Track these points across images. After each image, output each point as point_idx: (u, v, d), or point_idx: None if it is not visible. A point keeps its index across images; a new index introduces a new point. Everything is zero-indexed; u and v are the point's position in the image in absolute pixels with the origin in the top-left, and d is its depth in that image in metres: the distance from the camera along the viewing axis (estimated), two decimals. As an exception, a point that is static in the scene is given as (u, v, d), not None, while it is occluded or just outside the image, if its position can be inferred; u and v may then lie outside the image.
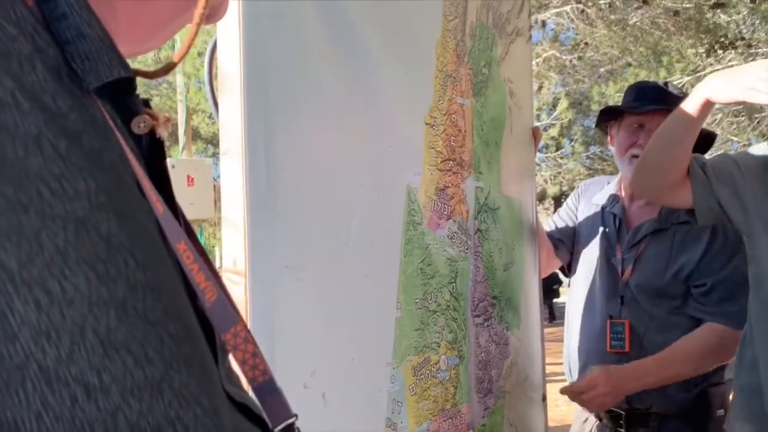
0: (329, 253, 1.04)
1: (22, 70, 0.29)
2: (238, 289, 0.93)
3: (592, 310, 1.82)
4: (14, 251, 0.26)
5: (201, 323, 0.38)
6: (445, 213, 1.29)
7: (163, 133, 0.41)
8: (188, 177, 4.31)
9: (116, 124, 0.36)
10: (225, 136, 0.97)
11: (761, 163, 1.40)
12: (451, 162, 1.32)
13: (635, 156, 1.72)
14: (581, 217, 1.96)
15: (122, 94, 0.37)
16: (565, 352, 1.94)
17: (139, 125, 0.39)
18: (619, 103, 1.90)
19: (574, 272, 1.95)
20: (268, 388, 0.42)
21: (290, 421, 0.43)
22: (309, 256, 1.00)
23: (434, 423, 1.24)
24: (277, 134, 0.97)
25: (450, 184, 1.31)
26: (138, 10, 0.41)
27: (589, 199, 1.97)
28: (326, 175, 1.04)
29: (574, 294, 1.92)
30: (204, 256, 0.42)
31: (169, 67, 0.45)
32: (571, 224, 1.98)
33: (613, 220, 1.85)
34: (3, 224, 0.26)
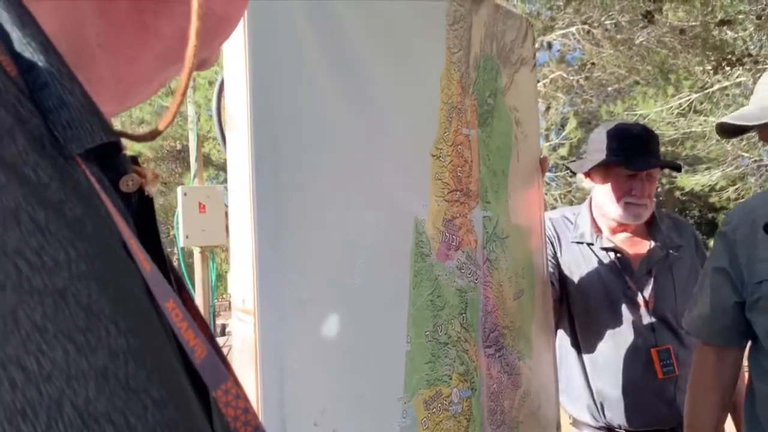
0: (338, 288, 1.04)
1: (2, 143, 0.29)
2: (247, 328, 0.94)
3: (622, 343, 1.85)
4: None
5: (195, 379, 0.37)
6: (454, 244, 1.29)
7: (151, 190, 0.41)
8: (200, 204, 4.33)
9: (103, 185, 0.36)
10: (233, 174, 0.98)
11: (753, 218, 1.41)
12: (458, 192, 1.32)
13: (629, 203, 1.85)
14: (568, 258, 1.97)
15: (109, 156, 0.37)
16: (580, 390, 1.92)
17: (127, 184, 0.39)
18: (627, 121, 1.94)
19: (574, 312, 1.95)
20: None
21: None
22: (318, 292, 1.00)
23: (447, 456, 1.23)
24: (285, 170, 0.98)
25: (458, 215, 1.32)
26: (123, 71, 0.41)
27: (565, 238, 1.99)
28: (333, 209, 1.05)
29: (586, 330, 1.92)
30: (194, 311, 0.42)
31: (155, 134, 0.45)
32: (554, 263, 1.96)
33: (607, 253, 1.92)
34: None
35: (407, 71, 1.22)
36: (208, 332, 0.43)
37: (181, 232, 4.30)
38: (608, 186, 1.89)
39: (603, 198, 1.91)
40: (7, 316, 0.26)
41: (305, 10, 1.03)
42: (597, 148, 1.90)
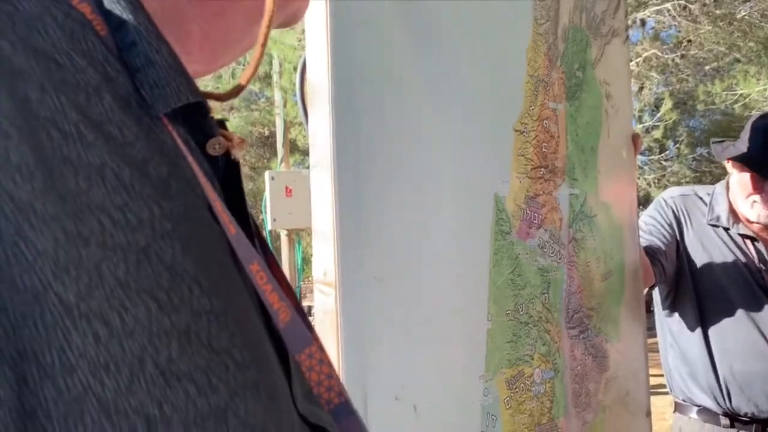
0: (418, 263, 1.03)
1: (89, 101, 0.30)
2: (328, 300, 0.94)
3: (755, 331, 1.84)
4: (73, 285, 0.26)
5: (277, 342, 0.37)
6: (536, 222, 1.26)
7: (238, 154, 0.41)
8: (286, 188, 4.44)
9: (190, 146, 0.36)
10: (314, 150, 0.98)
11: None
12: (542, 169, 1.28)
13: (755, 202, 1.83)
14: (698, 238, 1.93)
15: (195, 118, 0.37)
16: (702, 373, 1.90)
17: (214, 147, 0.39)
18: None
19: (701, 293, 1.91)
20: (344, 409, 0.40)
21: None
22: (398, 267, 1.00)
23: (530, 437, 1.21)
24: (365, 146, 0.98)
25: (541, 192, 1.28)
26: (211, 27, 0.41)
27: (696, 218, 1.95)
28: (414, 185, 1.04)
29: (716, 314, 1.89)
30: (278, 274, 0.42)
31: (238, 90, 0.45)
32: (670, 240, 1.93)
33: (743, 240, 1.89)
34: (61, 258, 0.26)
35: (491, 45, 1.19)
36: (293, 297, 0.42)
37: (269, 215, 4.42)
38: (741, 179, 1.87)
39: (735, 189, 1.90)
40: (91, 270, 0.27)
41: (387, -16, 1.02)
42: (746, 137, 1.87)
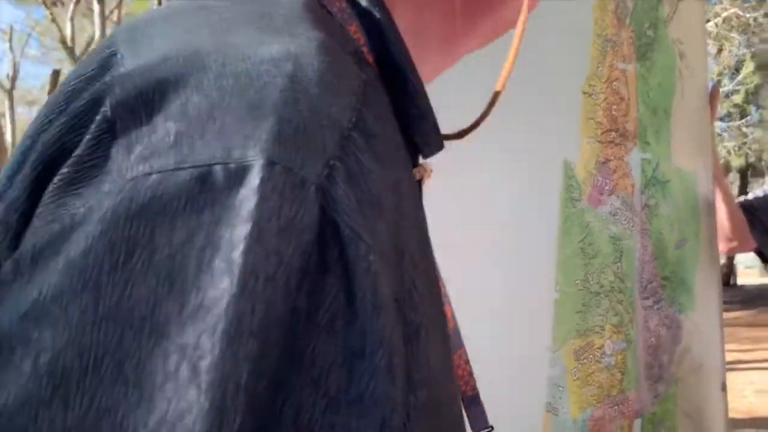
0: (480, 232, 1.01)
1: (397, 167, 0.37)
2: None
3: None
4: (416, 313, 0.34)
5: None
6: (607, 188, 1.21)
7: (428, 181, 0.48)
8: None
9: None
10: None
11: None
12: (613, 133, 1.23)
13: None
14: None
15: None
16: None
17: (415, 175, 0.46)
18: None
19: None
20: (474, 400, 0.51)
21: (487, 429, 0.52)
22: (460, 236, 0.98)
23: (599, 409, 1.18)
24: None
25: (612, 157, 1.23)
26: (443, 64, 0.52)
27: None
28: (475, 151, 1.01)
29: None
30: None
31: (475, 126, 0.53)
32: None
33: None
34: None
35: (555, 3, 1.15)
36: (448, 301, 0.50)
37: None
38: None
39: None
40: (388, 301, 0.33)
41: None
42: None
